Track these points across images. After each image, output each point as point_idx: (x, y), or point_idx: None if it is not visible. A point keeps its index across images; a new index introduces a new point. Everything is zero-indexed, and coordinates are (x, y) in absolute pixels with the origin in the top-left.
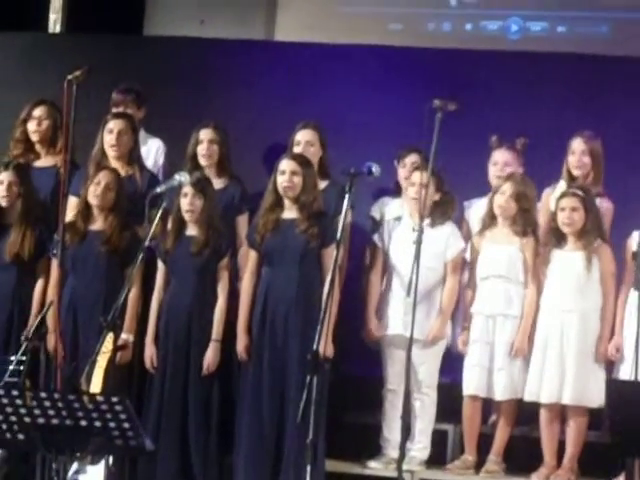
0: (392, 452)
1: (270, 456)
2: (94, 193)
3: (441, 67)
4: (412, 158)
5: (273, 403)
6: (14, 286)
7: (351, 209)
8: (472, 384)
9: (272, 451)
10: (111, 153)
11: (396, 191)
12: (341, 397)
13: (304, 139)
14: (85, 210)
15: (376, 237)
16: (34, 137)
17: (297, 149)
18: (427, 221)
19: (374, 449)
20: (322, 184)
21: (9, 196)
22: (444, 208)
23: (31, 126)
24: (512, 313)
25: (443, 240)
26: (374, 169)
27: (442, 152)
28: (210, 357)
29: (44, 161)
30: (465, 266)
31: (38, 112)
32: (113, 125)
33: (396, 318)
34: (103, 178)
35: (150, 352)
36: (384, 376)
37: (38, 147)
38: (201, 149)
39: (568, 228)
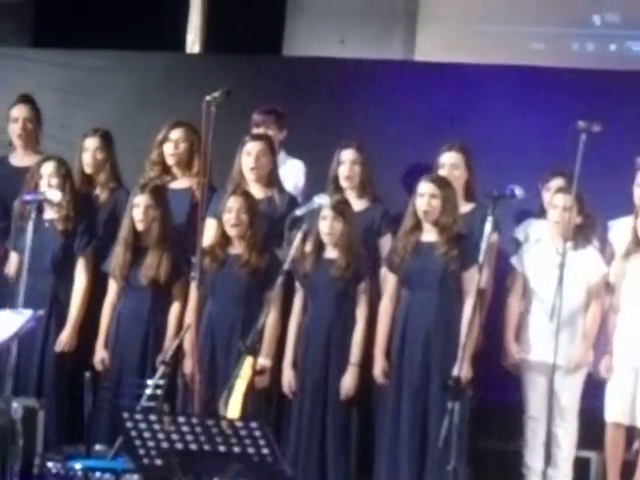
0: (534, 479)
1: None
2: (229, 222)
3: (585, 88)
4: (557, 182)
5: (413, 429)
6: (150, 309)
7: (495, 232)
8: (615, 411)
9: (412, 477)
10: (249, 176)
11: (540, 214)
12: (482, 423)
13: (448, 162)
14: (223, 236)
15: (515, 260)
16: (170, 160)
17: (442, 172)
18: (569, 244)
19: (516, 476)
20: (468, 207)
21: (145, 220)
22: (586, 231)
23: (168, 148)
24: None
25: (585, 264)
26: (517, 192)
27: (586, 173)
28: (348, 381)
29: (180, 183)
30: (608, 290)
31: (175, 134)
32: (251, 147)
33: (538, 343)
34: (234, 204)
35: (288, 376)
36: (525, 402)
37: (174, 169)
38: (343, 170)
39: None
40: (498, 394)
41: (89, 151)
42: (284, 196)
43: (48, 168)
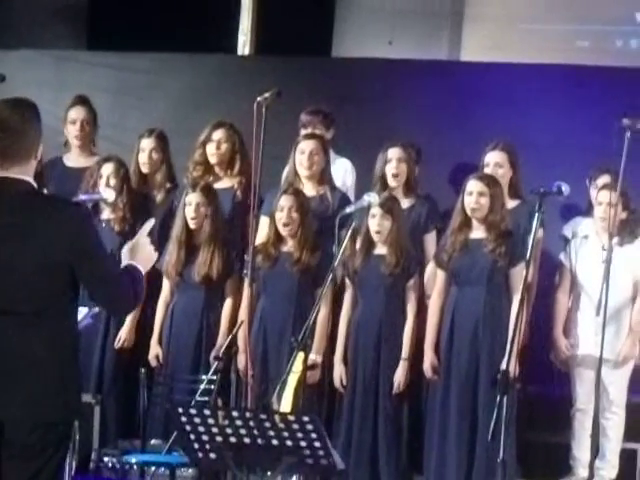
0: (582, 471)
1: (460, 476)
2: (280, 221)
3: (630, 85)
4: (604, 179)
5: (461, 422)
6: (203, 306)
7: (541, 228)
8: None
9: (461, 470)
10: (303, 173)
11: (588, 211)
12: (530, 417)
13: (493, 161)
14: (275, 234)
15: (563, 256)
16: (213, 159)
17: (487, 170)
18: (616, 240)
19: (564, 468)
20: (513, 204)
21: (197, 217)
22: (632, 227)
23: (210, 149)
24: None
25: (632, 259)
26: (563, 188)
27: (631, 169)
28: (400, 376)
29: (222, 182)
30: None
31: (217, 135)
32: (305, 146)
33: (586, 337)
34: (285, 202)
35: (339, 371)
36: (573, 395)
37: (217, 169)
38: (389, 168)
39: None
40: (546, 387)
41: (145, 152)
42: (336, 194)
43: (108, 169)
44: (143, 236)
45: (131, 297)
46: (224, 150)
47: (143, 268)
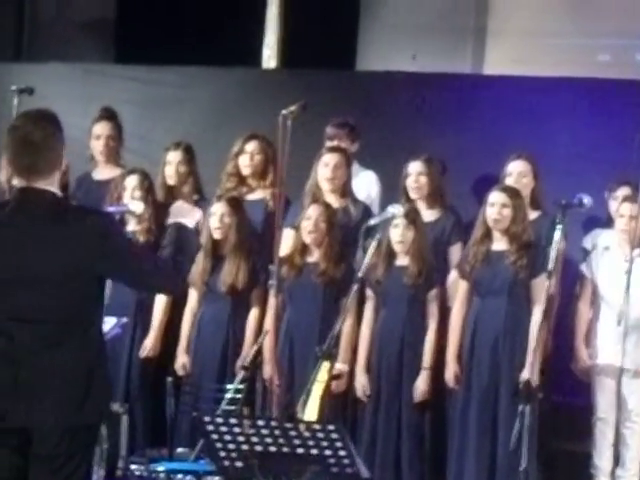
0: None
1: None
2: (306, 229)
3: None
4: (623, 191)
5: (483, 432)
6: (229, 316)
7: (563, 240)
8: None
9: (483, 479)
10: (326, 186)
11: (608, 222)
12: (552, 426)
13: (516, 170)
14: (301, 244)
15: (584, 267)
16: (246, 171)
17: (509, 180)
18: (637, 251)
19: (585, 477)
20: (534, 214)
21: (222, 227)
22: None
23: (243, 160)
24: None
25: None
26: (585, 200)
27: None
28: (422, 385)
29: (255, 194)
30: None
31: (250, 147)
32: (329, 159)
33: (606, 347)
34: (313, 212)
35: (362, 381)
36: (594, 405)
37: (249, 180)
38: (410, 182)
39: None
40: (567, 397)
41: (172, 164)
42: (358, 206)
43: (132, 181)
44: None
45: (173, 280)
46: (257, 162)
47: None
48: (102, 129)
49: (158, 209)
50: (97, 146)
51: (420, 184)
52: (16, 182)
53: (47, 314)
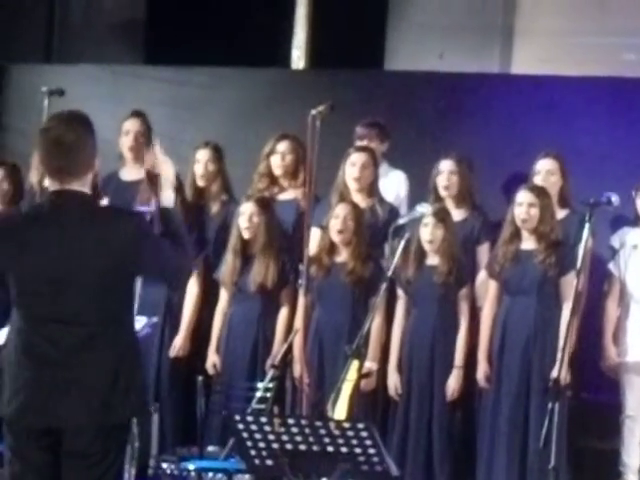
0: (632, 477)
1: None
2: (335, 228)
3: None
4: None
5: (513, 430)
6: (259, 315)
7: (591, 238)
8: None
9: (513, 477)
10: (353, 186)
11: (635, 221)
12: (580, 423)
13: (544, 168)
14: (329, 244)
15: (612, 265)
16: (277, 171)
17: (537, 178)
18: None
19: (613, 474)
20: (562, 213)
21: (251, 227)
22: None
23: (275, 160)
24: None
25: None
26: (613, 199)
27: None
28: (453, 383)
29: (287, 194)
30: None
31: (282, 147)
32: (356, 159)
33: (635, 345)
34: (341, 211)
35: (394, 379)
36: (623, 402)
37: (281, 180)
38: (441, 180)
39: None
40: (596, 394)
41: (201, 163)
42: (385, 206)
43: None
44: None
45: (187, 265)
46: (288, 162)
47: (171, 191)
48: (131, 125)
49: (187, 209)
50: (126, 142)
51: (451, 183)
52: (48, 183)
53: (83, 315)
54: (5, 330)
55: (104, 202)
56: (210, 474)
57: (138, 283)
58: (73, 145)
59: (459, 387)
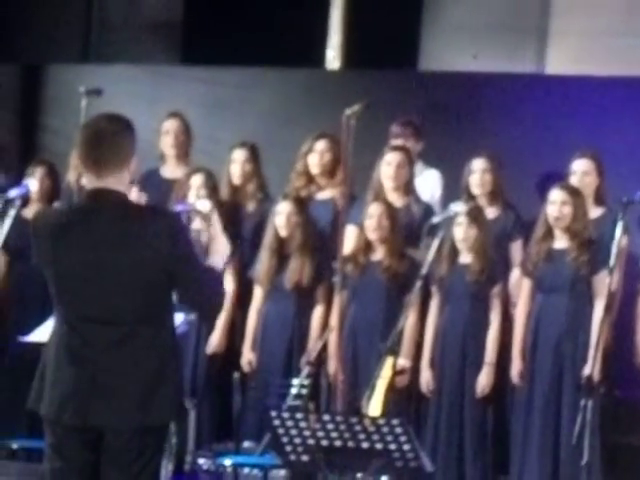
0: None
1: (544, 478)
2: (370, 227)
3: None
4: None
5: (545, 427)
6: (294, 313)
7: (625, 236)
8: None
9: (546, 473)
10: (388, 184)
11: None
12: (613, 420)
13: (580, 169)
14: (364, 242)
15: None
16: (315, 170)
17: (573, 178)
18: None
19: None
20: (598, 211)
21: (288, 226)
22: None
23: (313, 159)
24: None
25: None
26: None
27: None
28: (485, 380)
29: (324, 193)
30: None
31: (320, 145)
32: (391, 158)
33: None
34: (375, 210)
35: (426, 376)
36: None
37: (319, 179)
38: (474, 179)
39: None
40: (629, 391)
41: (237, 163)
42: (420, 205)
43: (197, 180)
44: (215, 227)
45: (221, 296)
46: (326, 160)
47: (221, 260)
48: (171, 125)
49: (222, 208)
50: (167, 141)
51: (484, 181)
52: (85, 182)
53: (119, 315)
54: (47, 326)
55: (143, 198)
56: (246, 469)
57: None
58: (111, 137)
59: (490, 384)
